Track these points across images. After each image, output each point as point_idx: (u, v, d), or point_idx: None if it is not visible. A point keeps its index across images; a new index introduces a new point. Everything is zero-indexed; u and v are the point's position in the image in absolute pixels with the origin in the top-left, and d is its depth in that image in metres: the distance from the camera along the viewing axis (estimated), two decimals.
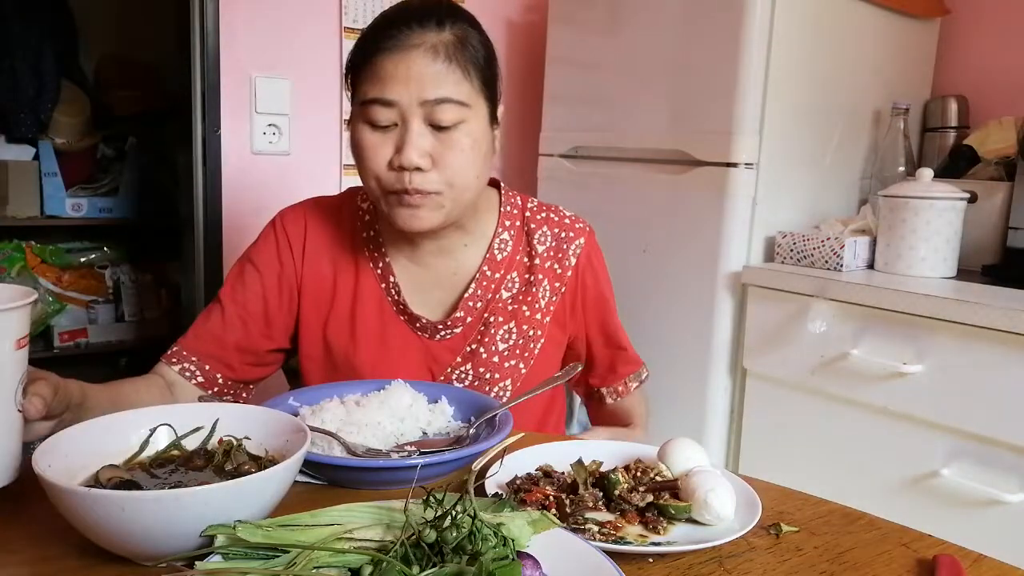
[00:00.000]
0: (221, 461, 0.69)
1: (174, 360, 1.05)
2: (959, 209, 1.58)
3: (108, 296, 3.07)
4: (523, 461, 0.80)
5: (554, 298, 1.12)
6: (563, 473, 0.77)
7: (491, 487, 0.71)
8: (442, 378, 1.07)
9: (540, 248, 1.12)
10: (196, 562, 0.54)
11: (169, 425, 0.73)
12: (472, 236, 1.10)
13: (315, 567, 0.53)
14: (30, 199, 2.80)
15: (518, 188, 1.19)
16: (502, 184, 1.14)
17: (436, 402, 0.92)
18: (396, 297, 1.08)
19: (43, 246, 2.96)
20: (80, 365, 2.93)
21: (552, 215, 1.14)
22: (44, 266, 2.95)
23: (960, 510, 1.38)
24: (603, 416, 1.22)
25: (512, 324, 1.08)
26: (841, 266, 1.61)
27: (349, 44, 1.99)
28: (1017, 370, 1.30)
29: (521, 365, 1.09)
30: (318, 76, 2.01)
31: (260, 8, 1.91)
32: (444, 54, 0.93)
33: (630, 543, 0.66)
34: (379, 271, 1.09)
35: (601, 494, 0.74)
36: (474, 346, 1.08)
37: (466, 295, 1.07)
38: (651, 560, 0.64)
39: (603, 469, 0.77)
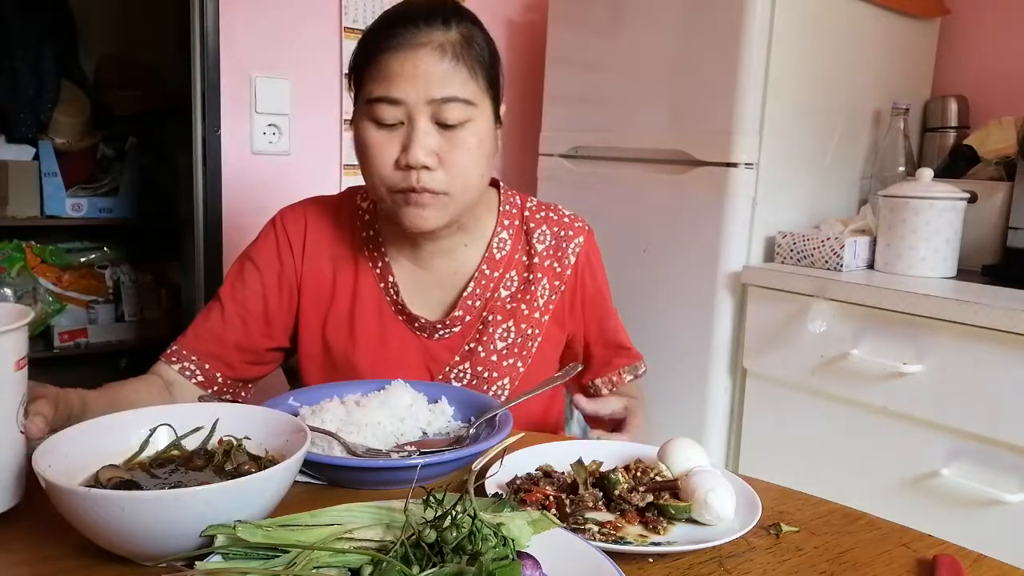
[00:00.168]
0: (221, 461, 0.69)
1: (173, 359, 1.05)
2: (959, 209, 1.58)
3: (108, 296, 3.07)
4: (523, 461, 0.80)
5: (553, 297, 1.12)
6: (563, 473, 0.77)
7: (491, 487, 0.71)
8: (440, 377, 1.07)
9: (539, 247, 1.12)
10: (196, 562, 0.54)
11: (169, 425, 0.73)
12: (472, 236, 1.10)
13: (315, 567, 0.53)
14: (30, 199, 2.81)
15: (518, 188, 1.19)
16: (501, 184, 1.15)
17: (436, 402, 0.92)
18: (395, 297, 1.08)
19: (43, 246, 2.96)
20: (80, 365, 2.94)
21: (551, 214, 1.14)
22: (44, 266, 2.95)
23: (960, 510, 1.38)
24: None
25: (511, 323, 1.08)
26: (841, 266, 1.61)
27: (349, 44, 2.00)
28: (1017, 370, 1.30)
29: (519, 364, 1.09)
30: (318, 76, 2.01)
31: (260, 8, 1.91)
32: (451, 53, 0.93)
33: (630, 543, 0.66)
34: (378, 270, 1.09)
35: (601, 494, 0.74)
36: (472, 345, 1.08)
37: (465, 294, 1.07)
38: (651, 560, 0.64)
39: (603, 469, 0.77)
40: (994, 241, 1.69)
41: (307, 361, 1.10)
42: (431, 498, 0.57)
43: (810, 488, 0.80)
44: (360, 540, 0.56)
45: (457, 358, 1.08)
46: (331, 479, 0.77)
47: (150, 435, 0.72)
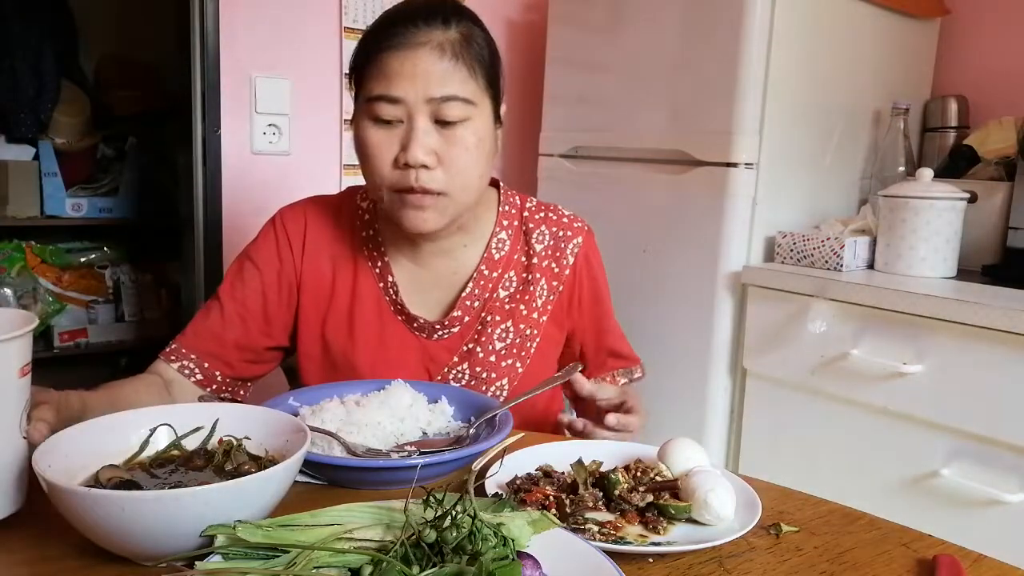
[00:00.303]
0: (221, 461, 0.69)
1: (173, 358, 1.05)
2: (959, 209, 1.58)
3: (108, 296, 3.07)
4: (523, 461, 0.80)
5: (552, 297, 1.12)
6: (563, 473, 0.77)
7: (491, 487, 0.71)
8: (439, 378, 1.07)
9: (538, 247, 1.12)
10: (196, 562, 0.54)
11: (169, 425, 0.73)
12: (471, 236, 1.10)
13: (315, 567, 0.53)
14: (30, 199, 2.80)
15: (518, 188, 1.19)
16: (501, 184, 1.15)
17: (436, 402, 0.92)
18: (394, 297, 1.08)
19: (43, 246, 2.96)
20: (80, 365, 2.94)
21: (551, 214, 1.14)
22: (44, 266, 2.95)
23: (960, 510, 1.38)
24: (590, 407, 1.03)
25: (509, 323, 1.08)
26: (841, 266, 1.61)
27: (349, 44, 2.00)
28: (1017, 370, 1.30)
29: (518, 364, 1.09)
30: (318, 76, 2.01)
31: (260, 8, 1.91)
32: (451, 52, 0.93)
33: (630, 543, 0.66)
34: (377, 270, 1.09)
35: (601, 494, 0.74)
36: (471, 345, 1.08)
37: (464, 294, 1.07)
38: (651, 560, 0.64)
39: (603, 469, 0.77)
40: (994, 241, 1.69)
41: (306, 360, 1.10)
42: (431, 498, 0.57)
43: (810, 488, 0.80)
44: (360, 540, 0.56)
45: (456, 358, 1.08)
46: (331, 479, 0.77)
47: (150, 435, 0.72)
